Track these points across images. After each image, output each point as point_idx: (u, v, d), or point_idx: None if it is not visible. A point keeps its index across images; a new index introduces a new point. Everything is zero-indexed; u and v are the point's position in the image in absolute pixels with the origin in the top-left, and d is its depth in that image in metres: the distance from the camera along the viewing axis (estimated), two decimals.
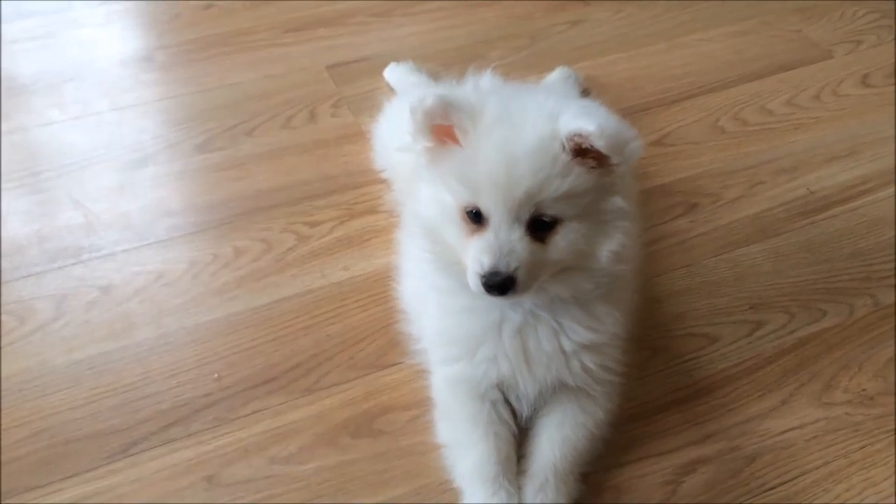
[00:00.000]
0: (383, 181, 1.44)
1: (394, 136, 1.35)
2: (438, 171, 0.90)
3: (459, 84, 1.35)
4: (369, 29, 1.87)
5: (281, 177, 1.48)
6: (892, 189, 1.48)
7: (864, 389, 1.16)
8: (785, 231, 1.40)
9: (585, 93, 1.65)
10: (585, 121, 0.81)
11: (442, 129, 0.88)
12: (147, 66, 1.78)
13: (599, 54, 1.80)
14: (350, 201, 1.44)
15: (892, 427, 1.11)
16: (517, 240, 0.86)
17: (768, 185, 1.49)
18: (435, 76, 1.60)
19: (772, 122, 1.64)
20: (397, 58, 1.70)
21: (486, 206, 0.86)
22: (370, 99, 1.63)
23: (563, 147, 0.84)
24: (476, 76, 1.32)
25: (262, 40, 1.83)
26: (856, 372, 1.18)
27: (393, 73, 1.67)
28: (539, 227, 0.87)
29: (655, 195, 1.46)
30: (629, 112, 1.64)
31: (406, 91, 1.57)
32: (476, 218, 0.88)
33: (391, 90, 1.65)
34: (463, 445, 1.01)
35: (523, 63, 1.73)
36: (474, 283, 0.88)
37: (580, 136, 0.82)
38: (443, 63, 1.69)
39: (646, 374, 1.18)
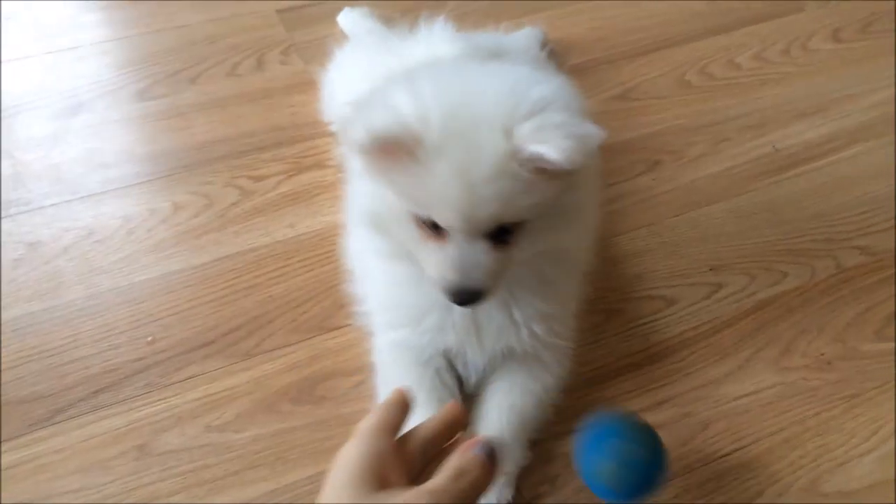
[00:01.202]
0: (333, 133, 1.37)
1: (344, 87, 1.28)
2: (384, 178, 0.78)
3: (412, 33, 1.28)
4: None
5: (225, 127, 1.40)
6: (858, 148, 1.44)
7: (822, 354, 1.13)
8: (749, 190, 1.36)
9: (550, 53, 1.57)
10: (548, 147, 0.70)
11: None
12: (86, 6, 1.67)
13: (562, 4, 1.72)
14: (298, 155, 1.36)
15: (849, 393, 1.09)
16: (481, 252, 0.77)
17: (733, 143, 1.45)
18: (390, 22, 1.51)
19: (739, 76, 1.59)
20: (352, 2, 1.62)
21: (444, 223, 0.76)
22: (322, 46, 1.54)
23: (523, 165, 0.73)
24: (428, 24, 1.25)
25: None
26: (815, 336, 1.15)
27: (347, 19, 1.58)
28: (501, 233, 0.78)
29: (617, 152, 1.40)
30: (592, 65, 1.58)
31: (359, 38, 1.49)
32: (432, 226, 0.78)
33: (345, 36, 1.57)
34: None
35: (481, 11, 1.65)
36: (439, 294, 0.80)
37: (543, 161, 0.71)
38: (399, 9, 1.60)
39: (601, 338, 1.14)
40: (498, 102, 0.74)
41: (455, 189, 0.73)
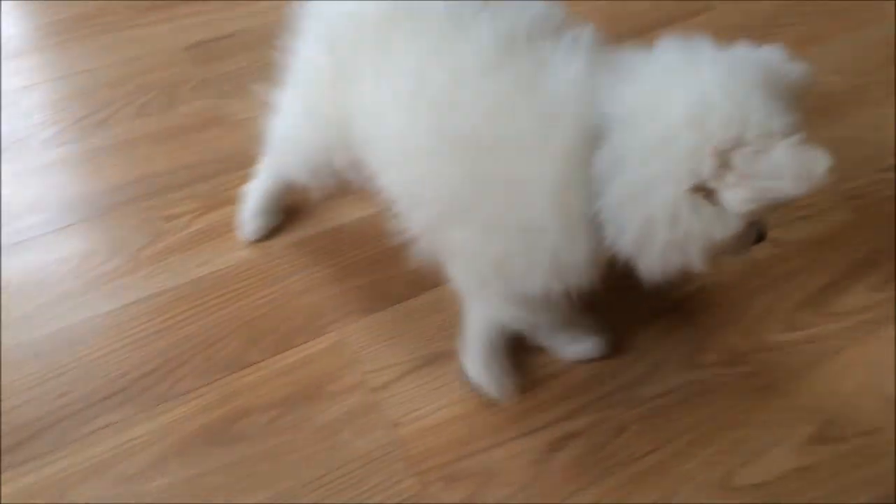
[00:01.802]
0: (247, 166, 1.35)
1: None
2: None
3: None
4: (233, 4, 1.77)
5: (135, 169, 1.39)
6: None
7: (733, 348, 1.15)
8: None
9: None
10: None
11: None
12: None
13: None
14: (211, 191, 1.36)
15: (760, 385, 1.11)
16: None
17: None
18: None
19: None
20: (262, 34, 1.61)
21: None
22: (234, 79, 1.55)
23: None
24: None
25: (117, 22, 1.72)
26: (725, 331, 1.17)
27: None
28: None
29: None
30: None
31: None
32: None
33: (259, 71, 1.55)
34: None
35: None
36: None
37: None
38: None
39: (522, 348, 1.14)
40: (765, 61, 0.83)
41: None
